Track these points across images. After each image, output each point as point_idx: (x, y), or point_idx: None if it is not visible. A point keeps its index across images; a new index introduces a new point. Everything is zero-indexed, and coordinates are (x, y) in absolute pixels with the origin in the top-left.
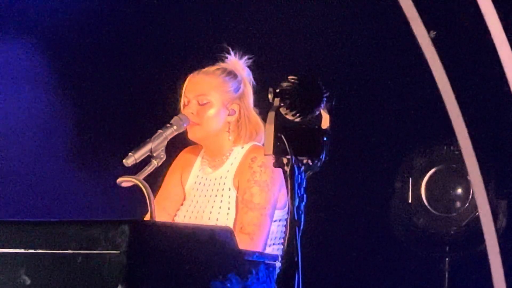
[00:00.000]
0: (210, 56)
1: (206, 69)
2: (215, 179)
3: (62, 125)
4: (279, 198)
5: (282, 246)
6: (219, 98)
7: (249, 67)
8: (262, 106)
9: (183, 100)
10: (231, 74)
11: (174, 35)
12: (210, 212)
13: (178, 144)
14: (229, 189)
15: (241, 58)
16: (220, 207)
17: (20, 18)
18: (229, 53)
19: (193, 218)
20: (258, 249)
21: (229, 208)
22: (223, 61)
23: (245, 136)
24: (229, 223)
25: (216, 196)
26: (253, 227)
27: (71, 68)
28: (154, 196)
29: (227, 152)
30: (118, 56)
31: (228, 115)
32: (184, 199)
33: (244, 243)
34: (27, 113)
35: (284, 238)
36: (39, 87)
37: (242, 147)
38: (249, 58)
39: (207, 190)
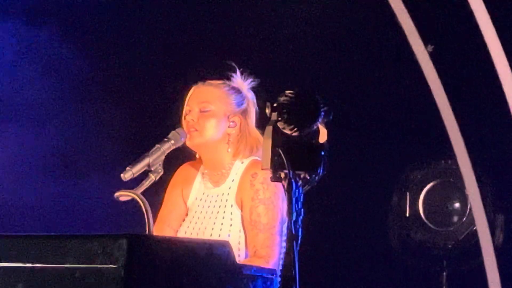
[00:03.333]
0: (216, 72)
1: (211, 81)
2: (217, 195)
3: (60, 139)
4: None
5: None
6: (222, 108)
7: (252, 88)
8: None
9: (185, 110)
10: (235, 89)
11: (180, 48)
12: (212, 229)
13: (176, 158)
14: (231, 205)
15: (245, 79)
16: (222, 223)
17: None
18: (235, 72)
19: (195, 234)
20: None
21: (231, 225)
22: (228, 79)
23: (245, 150)
24: (231, 240)
25: (218, 212)
26: (267, 249)
27: (72, 80)
28: (155, 211)
29: (227, 166)
30: (119, 71)
31: (229, 127)
32: (186, 214)
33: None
34: (25, 121)
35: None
36: (40, 93)
37: (242, 162)
38: (252, 81)
39: (209, 206)
